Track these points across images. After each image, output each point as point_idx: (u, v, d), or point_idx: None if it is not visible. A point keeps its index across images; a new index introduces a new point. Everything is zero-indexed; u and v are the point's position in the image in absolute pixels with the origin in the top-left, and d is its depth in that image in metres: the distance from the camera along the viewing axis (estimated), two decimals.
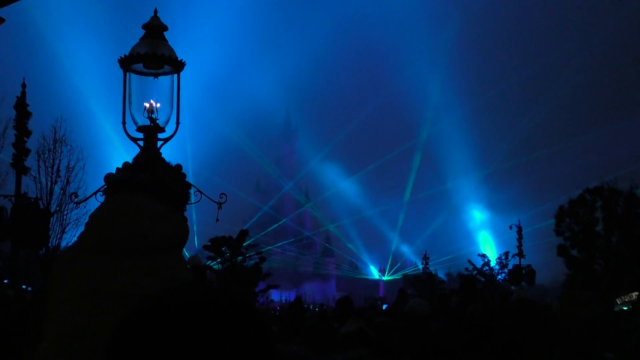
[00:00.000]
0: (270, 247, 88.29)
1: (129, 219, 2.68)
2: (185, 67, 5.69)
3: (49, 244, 25.57)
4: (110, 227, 2.67)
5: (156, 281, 2.64)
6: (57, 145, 27.85)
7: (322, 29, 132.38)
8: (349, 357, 5.15)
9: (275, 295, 69.21)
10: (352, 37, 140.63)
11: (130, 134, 5.57)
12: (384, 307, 33.02)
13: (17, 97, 24.15)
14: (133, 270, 2.62)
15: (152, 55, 5.47)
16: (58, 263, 2.75)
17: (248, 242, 41.04)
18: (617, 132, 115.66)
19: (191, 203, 5.35)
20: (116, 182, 2.98)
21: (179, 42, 5.85)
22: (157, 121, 5.56)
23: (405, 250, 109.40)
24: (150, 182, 3.09)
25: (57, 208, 26.68)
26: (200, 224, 62.19)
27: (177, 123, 5.67)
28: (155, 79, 5.69)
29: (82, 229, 2.78)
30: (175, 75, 5.71)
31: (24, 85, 24.12)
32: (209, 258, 38.56)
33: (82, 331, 2.50)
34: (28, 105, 24.10)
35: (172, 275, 2.69)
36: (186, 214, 5.68)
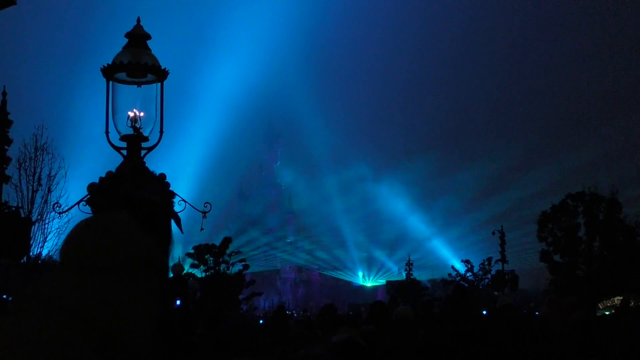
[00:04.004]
0: (253, 253, 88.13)
1: (92, 235, 2.66)
2: (167, 75, 5.66)
3: (30, 253, 25.35)
4: (74, 241, 2.65)
5: (104, 300, 2.62)
6: (38, 153, 27.64)
7: (303, 33, 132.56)
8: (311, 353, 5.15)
9: (258, 303, 69.01)
10: (336, 39, 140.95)
11: (114, 143, 5.53)
12: None
13: None
14: (83, 286, 2.60)
15: (136, 64, 5.44)
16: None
17: (231, 249, 40.89)
18: (598, 138, 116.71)
19: (175, 212, 5.32)
20: (99, 194, 2.97)
21: (159, 48, 5.82)
22: (141, 130, 5.52)
23: (390, 255, 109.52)
24: (133, 195, 3.07)
25: (39, 217, 26.47)
26: (184, 232, 61.90)
27: (161, 132, 5.62)
28: (139, 87, 5.65)
29: (63, 238, 2.79)
30: (159, 84, 5.67)
31: (4, 93, 23.94)
32: (192, 266, 38.41)
33: (19, 342, 2.46)
34: (9, 113, 23.92)
35: (123, 298, 2.64)
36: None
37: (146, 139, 5.55)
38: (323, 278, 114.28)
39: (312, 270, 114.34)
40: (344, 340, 5.17)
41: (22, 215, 25.07)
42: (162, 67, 5.59)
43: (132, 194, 3.05)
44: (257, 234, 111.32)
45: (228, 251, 40.17)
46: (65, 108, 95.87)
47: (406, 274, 60.05)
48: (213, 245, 39.78)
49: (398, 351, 6.96)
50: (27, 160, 27.29)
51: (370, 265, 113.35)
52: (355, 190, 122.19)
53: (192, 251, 39.59)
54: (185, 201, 5.52)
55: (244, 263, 40.96)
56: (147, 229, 2.99)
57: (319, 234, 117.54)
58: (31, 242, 25.10)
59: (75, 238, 2.61)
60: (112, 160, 5.52)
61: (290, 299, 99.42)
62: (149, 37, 5.65)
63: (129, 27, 5.73)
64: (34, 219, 26.16)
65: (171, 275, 15.29)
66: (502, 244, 44.51)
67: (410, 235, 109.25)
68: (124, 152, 5.48)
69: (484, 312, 14.76)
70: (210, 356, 5.14)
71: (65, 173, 27.97)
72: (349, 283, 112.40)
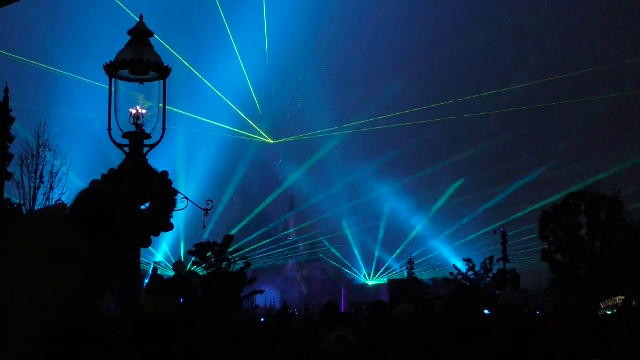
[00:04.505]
0: (255, 251, 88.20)
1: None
2: (170, 72, 5.64)
3: None
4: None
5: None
6: (40, 150, 27.68)
7: (307, 29, 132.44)
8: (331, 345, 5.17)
9: (260, 301, 69.03)
10: (340, 36, 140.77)
11: (116, 140, 5.51)
12: None
13: None
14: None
15: (138, 61, 5.42)
16: None
17: (233, 247, 40.87)
18: (600, 136, 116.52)
19: (178, 209, 5.32)
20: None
21: (161, 45, 5.81)
22: (143, 127, 5.51)
23: (392, 254, 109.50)
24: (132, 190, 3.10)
25: None
26: (185, 229, 62.07)
27: (163, 129, 5.61)
28: (141, 84, 5.64)
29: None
30: (161, 81, 5.65)
31: (6, 90, 23.94)
32: (194, 263, 38.40)
33: None
34: (11, 110, 23.93)
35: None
36: (171, 219, 5.65)
37: (148, 136, 5.54)
38: (325, 275, 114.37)
39: (314, 268, 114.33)
40: (335, 339, 5.19)
41: (24, 212, 25.07)
42: (165, 64, 5.58)
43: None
44: (258, 231, 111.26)
45: (230, 249, 40.16)
46: (67, 105, 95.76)
47: (408, 273, 60.07)
48: (215, 243, 39.76)
49: (399, 349, 6.96)
50: (29, 157, 27.31)
51: (372, 263, 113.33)
52: (358, 188, 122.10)
53: (193, 249, 39.61)
54: (187, 198, 5.52)
55: (245, 260, 40.95)
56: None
57: (320, 232, 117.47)
58: None
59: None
60: (114, 157, 5.51)
61: (292, 297, 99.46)
62: (151, 34, 5.63)
63: (132, 24, 5.72)
64: None
65: (173, 273, 15.30)
66: (504, 242, 44.50)
67: (412, 234, 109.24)
68: (126, 149, 5.47)
69: (485, 311, 14.76)
70: (212, 354, 5.15)
71: (67, 170, 27.97)
72: (350, 281, 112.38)
